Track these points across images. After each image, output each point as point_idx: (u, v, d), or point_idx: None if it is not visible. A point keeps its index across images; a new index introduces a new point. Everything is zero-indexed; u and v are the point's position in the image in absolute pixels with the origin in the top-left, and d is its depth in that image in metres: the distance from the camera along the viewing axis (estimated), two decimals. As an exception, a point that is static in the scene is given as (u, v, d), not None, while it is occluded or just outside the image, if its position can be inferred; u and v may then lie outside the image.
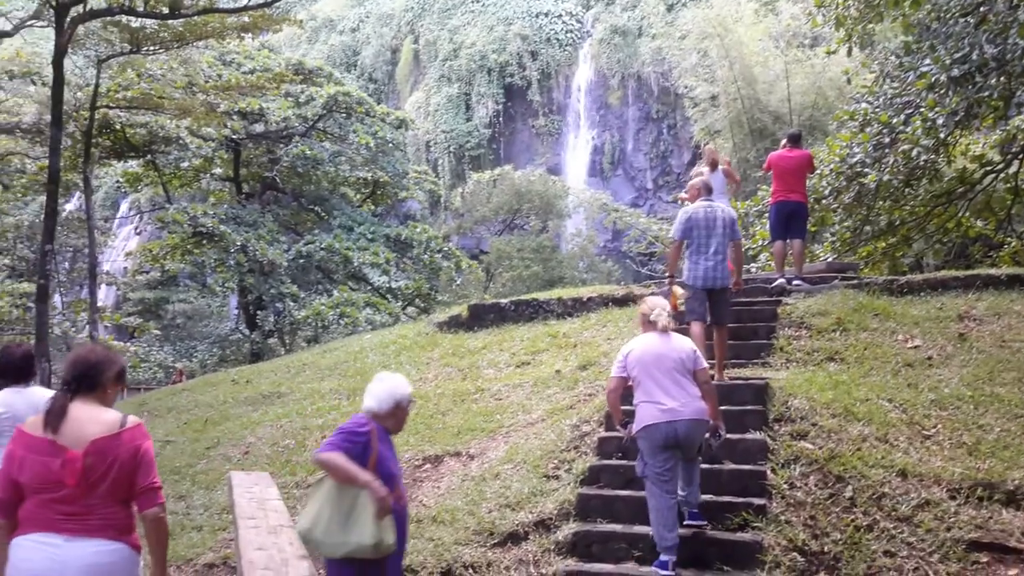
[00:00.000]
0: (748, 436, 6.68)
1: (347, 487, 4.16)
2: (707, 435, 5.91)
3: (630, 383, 5.86)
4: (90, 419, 3.51)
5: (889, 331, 9.00)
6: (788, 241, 11.07)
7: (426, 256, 30.18)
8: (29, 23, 22.92)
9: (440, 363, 11.57)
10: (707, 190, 8.17)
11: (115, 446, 3.46)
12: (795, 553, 5.57)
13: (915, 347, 8.56)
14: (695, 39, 31.27)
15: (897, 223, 14.73)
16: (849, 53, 14.26)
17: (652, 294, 7.08)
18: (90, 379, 3.63)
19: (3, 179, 27.07)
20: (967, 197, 14.40)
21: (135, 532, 3.56)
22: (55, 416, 3.47)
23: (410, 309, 30.57)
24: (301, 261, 27.95)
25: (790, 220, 11.00)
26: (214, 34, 22.28)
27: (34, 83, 25.25)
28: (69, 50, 21.30)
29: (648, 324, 6.00)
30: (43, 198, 23.78)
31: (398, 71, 54.23)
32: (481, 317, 13.01)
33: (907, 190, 14.05)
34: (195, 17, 21.41)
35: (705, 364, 5.95)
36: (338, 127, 30.75)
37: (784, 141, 11.47)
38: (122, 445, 3.48)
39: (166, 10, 20.73)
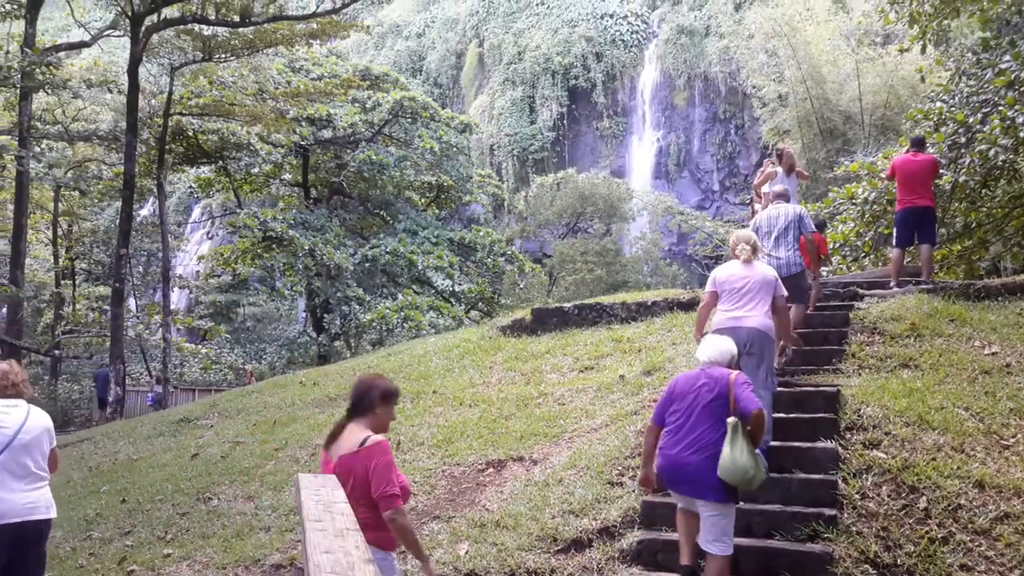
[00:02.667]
0: (819, 444, 6.52)
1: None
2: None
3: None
4: (348, 439, 4.25)
5: (965, 337, 8.71)
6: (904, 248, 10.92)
7: (489, 260, 30.30)
8: (106, 33, 23.69)
9: (503, 367, 11.57)
10: (784, 198, 9.19)
11: (353, 462, 4.15)
12: (867, 565, 5.41)
13: (992, 354, 8.27)
14: (763, 38, 30.82)
15: (974, 225, 14.27)
16: (923, 50, 13.89)
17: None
18: (359, 404, 4.36)
19: (81, 185, 27.93)
20: (1049, 198, 13.89)
21: (384, 531, 4.14)
22: (330, 436, 4.34)
23: (473, 313, 30.72)
24: (367, 265, 28.31)
25: (919, 226, 10.79)
26: (283, 41, 22.74)
27: (110, 91, 26.02)
28: (144, 59, 21.97)
29: (734, 254, 7.04)
30: (119, 203, 24.52)
31: (463, 75, 54.52)
32: (544, 321, 12.97)
33: (984, 191, 13.61)
34: (265, 25, 21.90)
35: (783, 292, 6.93)
36: (403, 132, 31.07)
37: (908, 146, 11.20)
38: (358, 461, 4.14)
39: (237, 18, 21.24)
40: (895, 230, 11.23)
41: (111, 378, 20.03)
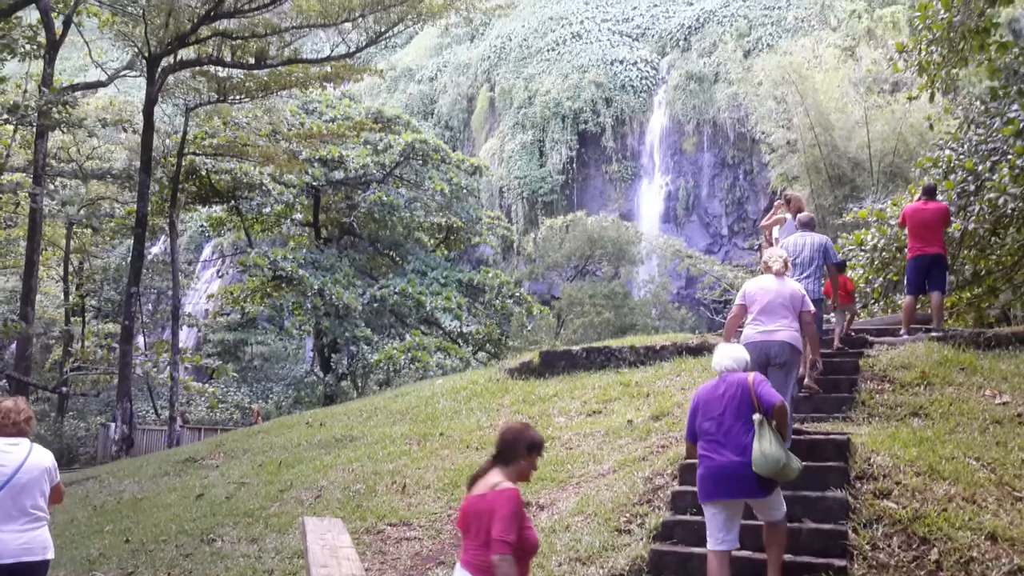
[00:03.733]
0: (829, 494, 6.46)
1: None
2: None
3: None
4: (484, 482, 4.41)
5: (976, 386, 8.66)
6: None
7: (498, 301, 30.32)
8: (123, 73, 24.05)
9: (510, 410, 11.53)
10: (810, 226, 9.65)
11: (480, 505, 4.31)
12: (878, 619, 5.33)
13: (1004, 403, 8.21)
14: (771, 85, 31.05)
15: (983, 273, 14.25)
16: (932, 99, 13.95)
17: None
18: (505, 453, 4.49)
19: (93, 223, 28.16)
20: (1058, 246, 13.87)
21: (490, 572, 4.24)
22: (472, 478, 4.52)
23: (480, 354, 30.67)
24: (375, 305, 28.35)
25: (929, 273, 10.77)
26: (297, 84, 23.02)
27: (125, 130, 26.38)
28: (159, 99, 22.26)
29: (767, 268, 7.44)
30: (130, 241, 24.70)
31: (474, 119, 55.04)
32: (552, 364, 12.95)
33: (994, 239, 13.61)
34: (280, 68, 22.18)
35: (811, 308, 7.30)
36: (414, 174, 31.31)
37: (919, 194, 11.24)
38: (485, 505, 4.29)
39: (252, 61, 21.55)
40: (906, 277, 11.22)
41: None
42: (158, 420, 31.94)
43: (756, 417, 5.53)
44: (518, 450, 4.47)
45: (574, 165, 49.06)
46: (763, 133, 32.75)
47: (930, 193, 11.00)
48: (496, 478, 4.39)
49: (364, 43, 22.18)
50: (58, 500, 5.62)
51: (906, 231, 11.16)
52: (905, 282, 11.49)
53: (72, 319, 33.61)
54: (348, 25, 21.41)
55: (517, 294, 31.35)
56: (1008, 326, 12.44)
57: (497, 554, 4.15)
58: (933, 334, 10.36)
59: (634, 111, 49.36)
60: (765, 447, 5.42)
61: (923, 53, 13.38)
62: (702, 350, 11.65)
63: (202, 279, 46.30)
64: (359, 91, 52.38)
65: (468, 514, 4.35)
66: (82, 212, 28.36)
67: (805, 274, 9.04)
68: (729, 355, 5.95)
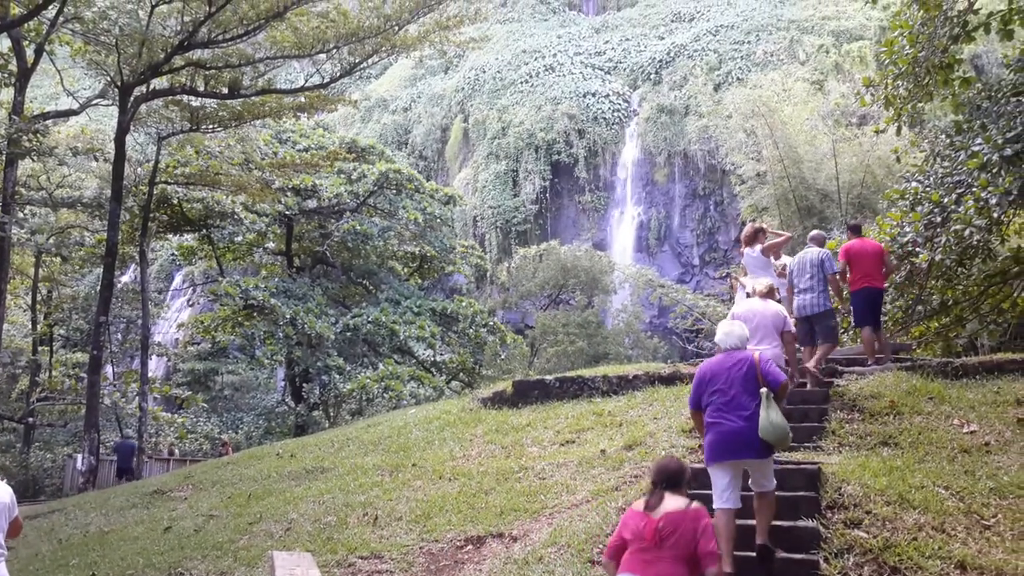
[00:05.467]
0: (800, 523, 6.49)
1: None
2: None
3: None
4: (671, 502, 5.01)
5: (944, 415, 8.75)
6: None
7: (471, 330, 30.28)
8: (95, 102, 23.90)
9: (483, 440, 11.48)
10: (816, 241, 10.70)
11: (682, 520, 4.89)
12: (850, 649, 5.34)
13: (971, 432, 8.30)
14: (741, 118, 31.49)
15: (950, 303, 14.45)
16: (898, 132, 14.21)
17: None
18: (674, 480, 5.10)
19: (62, 251, 27.84)
20: (1022, 277, 14.10)
21: None
22: (650, 502, 5.04)
23: (454, 383, 30.56)
24: (348, 334, 28.20)
25: (873, 308, 10.89)
26: (271, 113, 22.98)
27: (96, 159, 26.15)
28: (131, 128, 22.13)
29: (754, 293, 8.65)
30: (100, 270, 24.45)
31: (448, 149, 55.28)
32: (525, 394, 12.93)
33: (960, 269, 13.81)
34: (253, 97, 22.14)
35: (791, 328, 8.55)
36: (388, 203, 31.31)
37: (848, 234, 11.45)
38: (687, 520, 4.89)
39: (226, 90, 21.50)
40: (854, 310, 11.27)
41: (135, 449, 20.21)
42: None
43: (764, 391, 6.27)
44: (686, 479, 5.18)
45: (547, 195, 49.36)
46: (733, 165, 33.16)
47: (857, 231, 11.38)
48: (681, 500, 5.03)
49: (338, 74, 22.20)
50: (15, 534, 5.54)
51: (848, 266, 11.16)
52: (853, 315, 11.57)
53: (40, 348, 33.06)
54: (322, 56, 21.45)
55: (491, 323, 31.33)
56: (975, 356, 12.59)
57: (712, 566, 4.81)
58: (874, 367, 10.54)
59: (606, 142, 49.86)
60: (773, 417, 6.17)
61: (889, 87, 13.65)
62: (674, 379, 11.69)
63: (172, 308, 45.84)
64: (333, 121, 52.47)
65: (665, 528, 4.88)
66: (51, 241, 28.03)
67: (810, 286, 10.19)
68: (732, 333, 6.67)
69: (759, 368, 6.37)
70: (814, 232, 10.85)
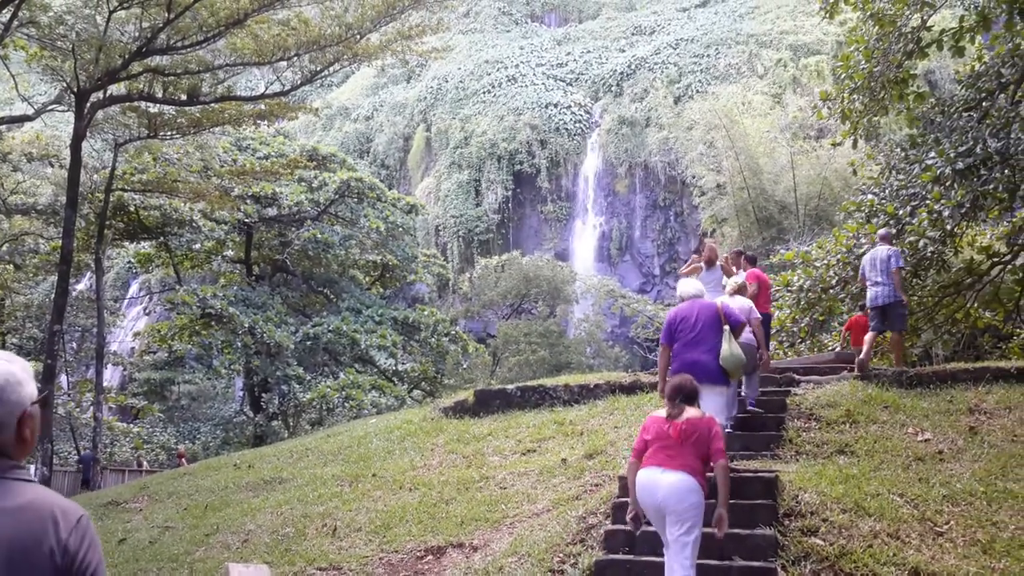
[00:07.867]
0: (758, 531, 6.54)
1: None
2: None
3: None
4: (689, 412, 5.92)
5: (899, 424, 8.89)
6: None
7: (433, 339, 30.19)
8: (50, 108, 23.49)
9: (444, 449, 11.44)
10: (886, 240, 11.43)
11: (700, 424, 5.83)
12: (807, 655, 5.39)
13: (925, 440, 8.44)
14: (702, 130, 31.83)
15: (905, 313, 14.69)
16: (855, 145, 14.46)
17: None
18: (690, 397, 6.02)
19: (16, 259, 27.31)
20: (975, 288, 14.40)
21: (702, 476, 5.72)
22: (672, 414, 5.92)
23: (416, 392, 30.44)
24: (308, 343, 27.97)
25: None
26: (231, 121, 22.72)
27: (51, 165, 25.73)
28: (88, 134, 21.77)
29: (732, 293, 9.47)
30: (54, 278, 24.00)
31: (410, 158, 55.18)
32: (487, 403, 12.90)
33: (915, 280, 14.07)
34: (213, 104, 21.89)
35: (758, 316, 9.40)
36: (349, 212, 31.14)
37: (744, 263, 11.68)
38: (704, 424, 5.85)
39: (184, 97, 21.24)
40: (765, 332, 11.46)
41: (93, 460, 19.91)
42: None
43: (726, 328, 7.57)
44: (698, 395, 6.14)
45: (510, 205, 49.46)
46: (694, 176, 33.50)
47: (752, 261, 12.01)
48: (696, 411, 5.96)
49: (299, 82, 22.02)
50: None
51: (758, 291, 11.28)
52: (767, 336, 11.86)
53: (-10, 358, 32.35)
54: (283, 64, 21.27)
55: (453, 332, 31.26)
56: (930, 365, 12.83)
57: (721, 459, 5.74)
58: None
59: (568, 153, 50.12)
60: (734, 348, 7.47)
61: (846, 101, 13.89)
62: (635, 388, 11.75)
63: (128, 316, 45.12)
64: (294, 129, 52.10)
65: (688, 431, 5.76)
66: (5, 248, 27.50)
67: (880, 280, 11.12)
68: (692, 285, 8.10)
69: (722, 311, 7.66)
70: (882, 231, 11.75)
